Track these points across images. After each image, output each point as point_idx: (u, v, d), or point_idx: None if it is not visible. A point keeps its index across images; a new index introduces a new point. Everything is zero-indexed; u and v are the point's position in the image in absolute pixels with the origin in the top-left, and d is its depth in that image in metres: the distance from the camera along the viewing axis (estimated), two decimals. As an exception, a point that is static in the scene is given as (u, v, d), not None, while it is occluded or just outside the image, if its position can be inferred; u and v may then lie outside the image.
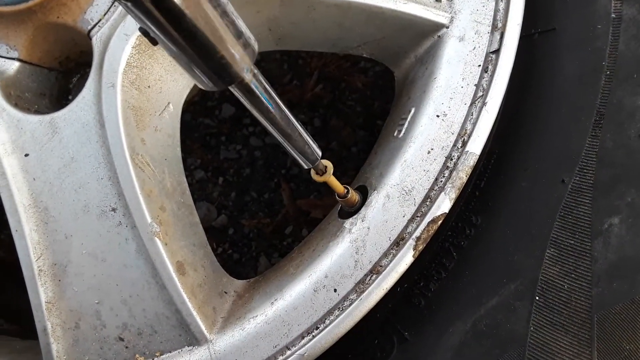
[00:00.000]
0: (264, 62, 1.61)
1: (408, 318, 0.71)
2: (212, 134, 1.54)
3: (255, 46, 0.42)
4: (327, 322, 0.68)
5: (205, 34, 0.38)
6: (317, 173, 0.63)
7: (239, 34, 0.40)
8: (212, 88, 0.43)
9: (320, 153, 0.58)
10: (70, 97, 0.91)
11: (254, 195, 1.53)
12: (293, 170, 1.52)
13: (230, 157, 1.54)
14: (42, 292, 0.71)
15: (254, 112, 0.49)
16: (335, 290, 0.69)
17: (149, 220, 0.70)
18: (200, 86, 0.43)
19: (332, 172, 0.63)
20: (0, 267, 1.48)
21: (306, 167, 0.59)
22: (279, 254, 1.48)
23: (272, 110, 0.49)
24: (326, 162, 0.63)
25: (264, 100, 0.48)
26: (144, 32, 0.40)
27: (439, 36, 0.76)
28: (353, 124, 1.50)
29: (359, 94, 1.52)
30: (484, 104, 0.70)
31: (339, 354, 0.72)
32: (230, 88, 0.44)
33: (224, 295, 0.76)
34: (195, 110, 1.55)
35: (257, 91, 0.46)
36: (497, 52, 0.73)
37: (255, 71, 0.44)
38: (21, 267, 0.74)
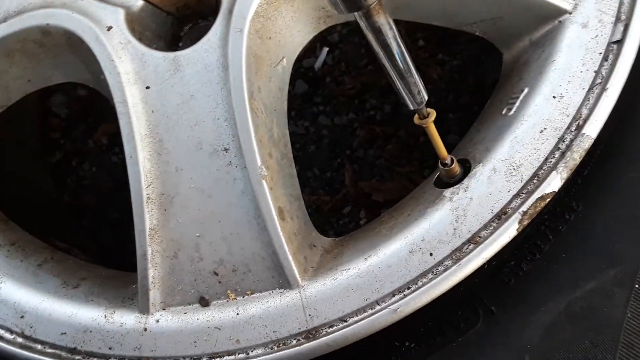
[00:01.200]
0: (341, 43, 1.63)
1: (496, 294, 0.72)
2: (284, 107, 1.57)
3: None
4: (420, 283, 0.69)
5: None
6: (419, 117, 0.65)
7: None
8: (340, 12, 0.48)
9: (427, 97, 0.61)
10: (180, 45, 0.95)
11: (316, 172, 1.55)
12: (358, 152, 1.54)
13: (297, 132, 1.56)
14: (147, 218, 0.75)
15: (372, 44, 0.53)
16: (431, 255, 0.70)
17: (259, 163, 0.72)
18: (331, 8, 0.48)
19: (433, 118, 0.66)
20: (67, 211, 1.54)
21: (412, 108, 0.62)
22: (334, 232, 1.50)
23: (391, 44, 0.53)
24: (430, 110, 0.65)
25: (385, 33, 0.51)
26: None
27: (560, 21, 0.76)
28: (425, 113, 1.50)
29: (434, 85, 1.52)
30: (603, 90, 0.70)
31: (421, 319, 0.73)
32: (356, 17, 0.49)
33: (313, 247, 0.79)
34: (270, 82, 1.58)
35: (379, 23, 0.50)
36: (619, 42, 0.73)
37: (382, 5, 0.49)
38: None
